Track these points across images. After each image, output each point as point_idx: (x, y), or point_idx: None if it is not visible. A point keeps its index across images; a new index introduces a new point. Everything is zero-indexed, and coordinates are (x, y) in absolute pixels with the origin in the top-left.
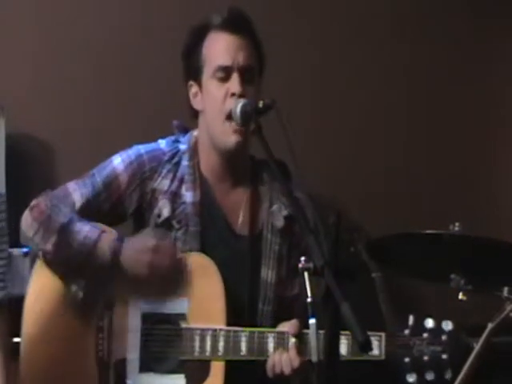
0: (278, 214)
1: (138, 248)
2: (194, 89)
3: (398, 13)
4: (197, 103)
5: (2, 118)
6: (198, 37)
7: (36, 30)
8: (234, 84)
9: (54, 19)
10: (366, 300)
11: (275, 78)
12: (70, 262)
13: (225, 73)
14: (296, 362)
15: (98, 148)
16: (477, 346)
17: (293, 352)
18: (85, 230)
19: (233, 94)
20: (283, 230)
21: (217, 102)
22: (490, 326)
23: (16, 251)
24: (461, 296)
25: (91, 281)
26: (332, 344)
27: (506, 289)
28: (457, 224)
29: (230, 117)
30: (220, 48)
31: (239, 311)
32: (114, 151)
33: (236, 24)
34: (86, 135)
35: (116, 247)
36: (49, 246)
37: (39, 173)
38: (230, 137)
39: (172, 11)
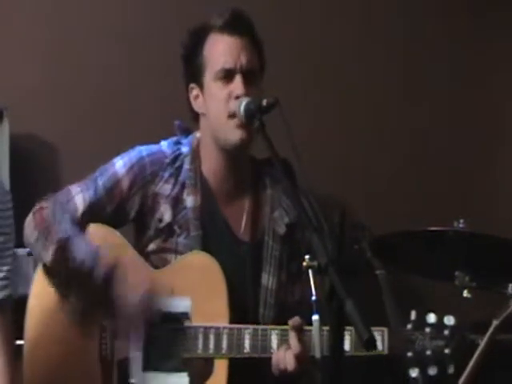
0: (279, 220)
1: (130, 286)
2: (194, 91)
3: (398, 12)
4: (198, 106)
5: (7, 119)
6: (198, 38)
7: (40, 32)
8: (238, 86)
9: (57, 20)
10: (370, 298)
11: (278, 76)
12: (65, 278)
13: (227, 75)
14: (299, 359)
15: (102, 148)
16: (481, 343)
17: (295, 348)
18: (81, 253)
19: (237, 97)
20: (284, 236)
21: (220, 103)
22: (494, 322)
23: (20, 251)
24: (465, 293)
25: (87, 295)
26: (336, 342)
27: (510, 286)
28: (461, 221)
29: (233, 116)
30: (222, 50)
31: (240, 316)
32: (118, 151)
33: (237, 25)
34: (90, 136)
35: (109, 276)
36: (47, 257)
37: (43, 173)
38: (234, 132)
39: (176, 12)
